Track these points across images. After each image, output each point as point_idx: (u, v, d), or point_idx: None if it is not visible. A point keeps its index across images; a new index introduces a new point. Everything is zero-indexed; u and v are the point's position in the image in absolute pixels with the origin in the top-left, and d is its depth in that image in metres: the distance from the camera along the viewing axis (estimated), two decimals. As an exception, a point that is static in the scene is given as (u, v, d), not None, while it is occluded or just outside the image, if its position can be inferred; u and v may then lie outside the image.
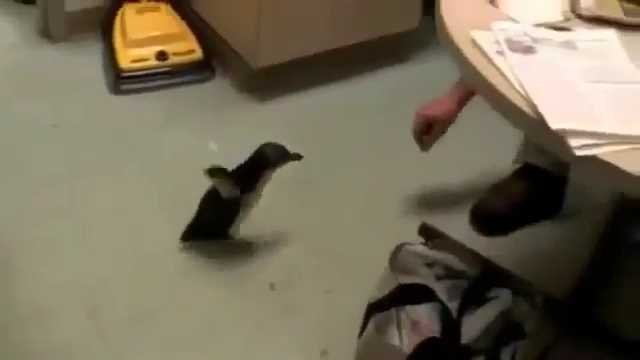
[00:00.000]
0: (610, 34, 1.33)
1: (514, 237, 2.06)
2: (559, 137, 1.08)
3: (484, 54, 1.23)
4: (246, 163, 1.85)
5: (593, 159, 1.06)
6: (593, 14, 1.38)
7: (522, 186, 2.09)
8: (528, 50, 1.25)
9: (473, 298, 1.41)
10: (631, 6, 1.41)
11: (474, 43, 1.26)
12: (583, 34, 1.32)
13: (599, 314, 1.80)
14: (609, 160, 1.06)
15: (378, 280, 1.51)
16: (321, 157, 2.20)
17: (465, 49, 1.25)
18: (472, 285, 1.42)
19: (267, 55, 2.31)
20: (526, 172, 2.12)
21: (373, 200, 2.14)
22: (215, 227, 1.90)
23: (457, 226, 2.01)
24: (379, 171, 2.22)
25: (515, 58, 1.22)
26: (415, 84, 2.52)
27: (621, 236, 1.67)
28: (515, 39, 1.26)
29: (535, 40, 1.27)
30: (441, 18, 1.33)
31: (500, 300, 1.40)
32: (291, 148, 2.16)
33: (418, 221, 1.94)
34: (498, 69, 1.21)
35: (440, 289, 1.43)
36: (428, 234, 1.93)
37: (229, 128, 2.30)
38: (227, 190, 1.81)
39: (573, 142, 1.07)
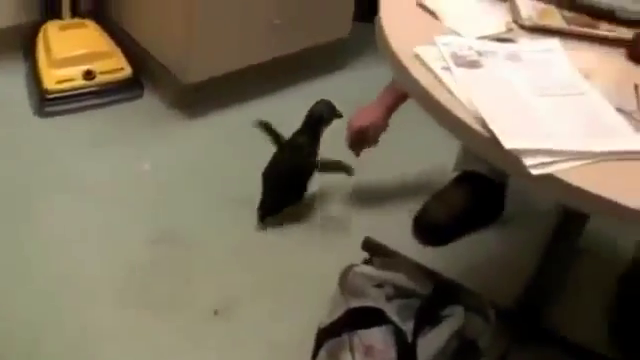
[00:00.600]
0: (554, 44, 1.31)
1: (457, 246, 2.05)
2: (513, 156, 1.05)
3: (430, 70, 1.20)
4: (305, 126, 2.00)
5: (549, 177, 1.04)
6: (535, 24, 1.36)
7: (463, 194, 2.07)
8: (474, 64, 1.22)
9: (427, 318, 1.37)
10: (571, 14, 1.40)
11: (418, 59, 1.22)
12: (527, 45, 1.30)
13: (548, 321, 1.80)
14: (563, 178, 1.04)
15: (328, 304, 1.47)
16: (258, 174, 2.15)
17: (410, 66, 1.21)
18: (425, 304, 1.39)
19: (198, 70, 2.24)
20: (466, 179, 2.11)
21: (319, 214, 2.09)
22: (291, 195, 2.01)
23: (401, 236, 2.00)
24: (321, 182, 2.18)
25: (461, 73, 1.18)
26: (351, 91, 2.46)
27: (567, 243, 1.66)
28: (460, 53, 1.23)
29: (480, 53, 1.24)
30: (382, 33, 1.29)
31: (454, 318, 1.37)
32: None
33: (362, 233, 1.92)
34: (445, 85, 1.17)
35: (391, 310, 1.39)
36: (372, 249, 1.90)
37: (161, 146, 2.22)
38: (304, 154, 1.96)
39: (528, 161, 1.04)
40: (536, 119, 1.13)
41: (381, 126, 2.02)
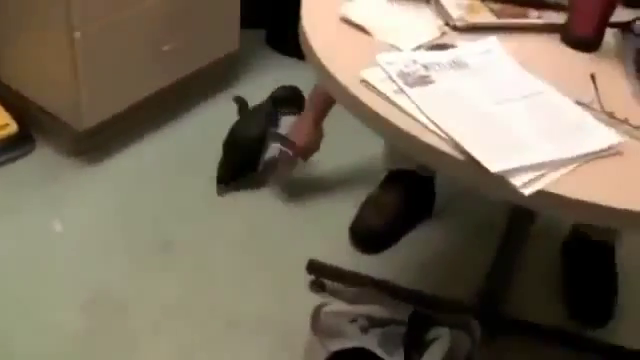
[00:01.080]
0: (492, 42, 1.26)
1: (399, 248, 1.99)
2: (499, 178, 0.98)
3: (381, 95, 1.12)
4: (265, 102, 2.14)
5: (540, 193, 0.98)
6: (467, 23, 1.30)
7: (395, 195, 2.02)
8: (425, 80, 1.14)
9: (414, 345, 1.30)
10: (498, 5, 1.35)
11: (366, 84, 1.13)
12: (467, 48, 1.24)
13: (511, 308, 1.77)
14: (555, 191, 0.98)
15: (304, 351, 1.37)
16: (177, 211, 2.03)
17: (359, 93, 1.12)
18: (409, 332, 1.31)
19: (91, 114, 2.07)
20: (394, 178, 2.05)
21: (249, 247, 1.98)
22: (245, 164, 2.10)
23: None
24: (248, 211, 2.07)
25: (416, 94, 1.11)
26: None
27: (520, 233, 1.63)
28: (406, 70, 1.15)
29: (426, 67, 1.17)
30: (314, 55, 1.20)
31: (441, 340, 1.31)
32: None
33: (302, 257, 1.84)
34: (403, 110, 1.09)
35: (373, 343, 1.31)
36: (317, 271, 1.82)
37: (68, 201, 2.04)
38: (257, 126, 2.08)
39: (516, 181, 0.98)
40: (507, 131, 1.07)
41: (314, 147, 2.05)
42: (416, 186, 2.04)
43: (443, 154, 1.04)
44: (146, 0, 2.04)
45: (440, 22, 1.31)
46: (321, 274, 1.84)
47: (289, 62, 2.59)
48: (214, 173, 2.11)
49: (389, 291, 1.78)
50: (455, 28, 1.30)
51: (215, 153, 2.13)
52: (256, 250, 1.96)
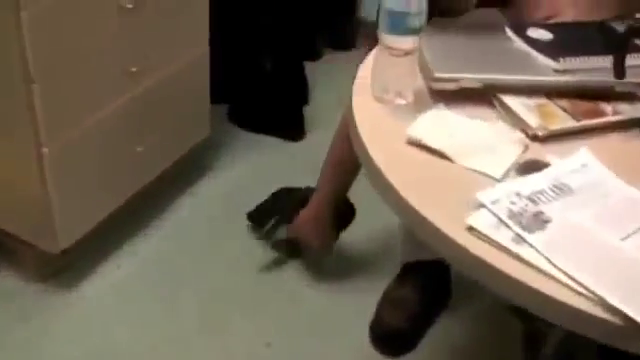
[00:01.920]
0: (585, 155, 1.10)
1: (422, 350, 1.82)
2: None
3: (495, 245, 0.94)
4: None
5: None
6: (549, 131, 1.14)
7: (414, 289, 1.85)
8: (540, 220, 0.97)
9: None
10: (567, 103, 1.20)
11: (474, 232, 0.95)
12: (561, 166, 1.08)
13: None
14: None
15: None
16: (166, 323, 1.81)
17: (470, 246, 0.94)
18: None
19: (67, 234, 1.83)
20: (410, 271, 1.88)
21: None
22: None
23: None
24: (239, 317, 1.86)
25: (540, 241, 0.94)
26: (231, 189, 2.24)
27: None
28: (516, 210, 0.98)
29: (532, 200, 1.01)
30: (402, 202, 1.01)
31: None
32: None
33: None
34: (526, 262, 0.92)
35: None
36: None
37: (47, 339, 1.78)
38: None
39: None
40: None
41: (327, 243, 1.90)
42: (433, 277, 1.87)
43: (585, 314, 0.88)
44: (113, 102, 1.81)
45: (518, 133, 1.14)
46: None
47: (257, 139, 2.43)
48: (201, 268, 1.97)
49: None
50: (536, 138, 1.14)
51: (203, 241, 2.01)
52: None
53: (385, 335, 1.79)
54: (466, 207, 0.99)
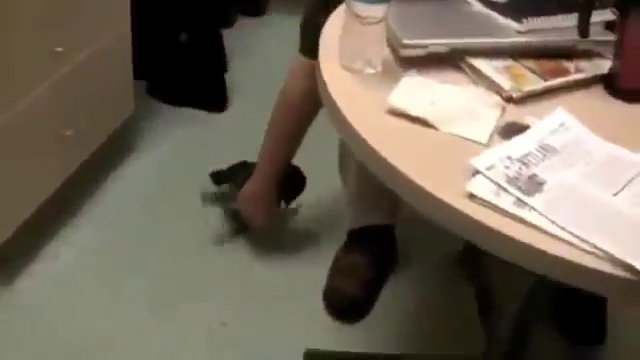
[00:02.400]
0: (561, 114, 1.12)
1: (377, 313, 1.83)
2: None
3: (498, 210, 0.94)
4: None
5: None
6: (523, 93, 1.15)
7: (363, 255, 1.85)
8: (536, 182, 0.99)
9: None
10: (533, 64, 1.22)
11: (475, 199, 0.96)
12: (541, 127, 1.09)
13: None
14: None
15: None
16: (115, 311, 1.75)
17: (472, 213, 0.94)
18: None
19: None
20: (357, 236, 1.88)
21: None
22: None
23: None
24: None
25: (540, 204, 0.95)
26: (158, 167, 2.18)
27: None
28: (512, 174, 0.99)
29: (523, 162, 1.02)
30: (397, 173, 1.00)
31: None
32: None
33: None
34: (530, 224, 0.93)
35: None
36: None
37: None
38: None
39: None
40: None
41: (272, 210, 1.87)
42: (380, 241, 1.88)
43: (593, 271, 0.90)
44: (40, 84, 1.71)
45: (494, 96, 1.15)
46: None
47: (181, 113, 2.37)
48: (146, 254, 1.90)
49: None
50: (510, 100, 1.15)
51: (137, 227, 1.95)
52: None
53: (340, 303, 1.79)
54: (460, 174, 0.99)
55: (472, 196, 0.96)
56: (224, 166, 1.97)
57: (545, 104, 1.16)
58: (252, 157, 2.15)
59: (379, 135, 1.06)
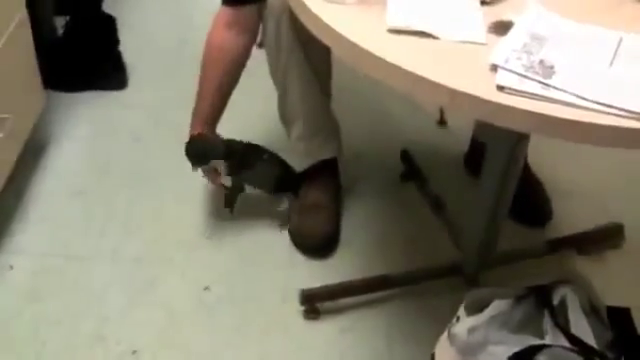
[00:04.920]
0: (535, 7, 1.24)
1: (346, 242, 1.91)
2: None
3: (529, 95, 1.05)
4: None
5: None
6: (493, -7, 1.26)
7: (324, 191, 1.92)
8: (548, 67, 1.09)
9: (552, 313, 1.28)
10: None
11: (509, 91, 1.05)
12: (524, 21, 1.20)
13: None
14: None
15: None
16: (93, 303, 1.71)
17: (508, 102, 1.04)
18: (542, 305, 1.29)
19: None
20: (309, 174, 1.94)
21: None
22: None
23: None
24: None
25: (560, 81, 1.06)
26: (80, 158, 2.13)
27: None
28: (527, 64, 1.09)
29: (530, 53, 1.12)
30: (428, 83, 1.07)
31: (570, 297, 1.30)
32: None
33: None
34: (560, 101, 1.04)
35: (520, 340, 1.26)
36: (311, 298, 1.69)
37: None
38: None
39: None
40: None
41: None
42: (328, 174, 1.95)
43: (622, 129, 1.02)
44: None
45: (473, 1, 1.24)
46: (314, 300, 1.71)
47: (84, 98, 2.31)
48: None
49: (386, 284, 1.74)
50: (484, 2, 1.25)
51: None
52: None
53: (315, 241, 1.85)
54: (481, 72, 1.08)
55: (501, 88, 1.05)
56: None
57: (511, 1, 1.27)
58: (167, 125, 2.17)
59: (394, 51, 1.12)
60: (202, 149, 1.81)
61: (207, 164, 1.82)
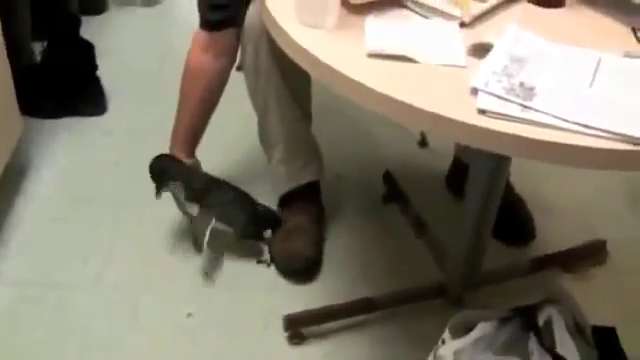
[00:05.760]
0: (514, 29, 1.24)
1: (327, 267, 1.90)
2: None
3: (510, 118, 1.05)
4: None
5: None
6: (472, 17, 1.26)
7: (305, 214, 1.90)
8: (528, 89, 1.10)
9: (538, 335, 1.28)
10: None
11: (489, 114, 1.05)
12: (502, 43, 1.20)
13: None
14: None
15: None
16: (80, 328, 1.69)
17: (488, 125, 1.04)
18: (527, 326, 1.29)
19: None
20: (289, 198, 1.93)
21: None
22: None
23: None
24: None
25: (540, 104, 1.06)
26: (59, 185, 2.10)
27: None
28: (508, 86, 1.10)
29: (510, 75, 1.12)
30: (416, 111, 1.07)
31: (556, 318, 1.30)
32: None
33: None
34: (544, 125, 1.04)
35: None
36: (295, 323, 1.67)
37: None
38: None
39: None
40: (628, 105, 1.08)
41: None
42: (309, 197, 1.94)
43: (600, 150, 1.02)
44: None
45: (451, 23, 1.24)
46: (298, 325, 1.70)
47: (62, 123, 2.30)
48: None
49: (370, 307, 1.72)
50: (463, 25, 1.25)
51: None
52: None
53: (298, 265, 1.83)
54: (461, 95, 1.08)
55: (482, 111, 1.05)
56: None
57: (491, 23, 1.28)
58: (147, 150, 2.15)
59: (373, 77, 1.11)
60: (160, 168, 1.79)
61: (166, 185, 1.79)
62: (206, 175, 1.85)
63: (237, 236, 1.82)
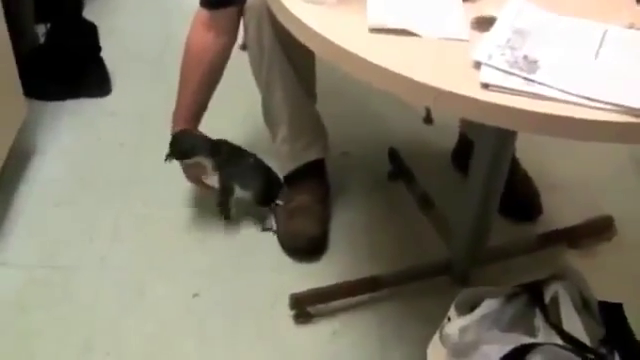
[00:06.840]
0: (517, 1, 1.22)
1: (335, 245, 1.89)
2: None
3: (514, 92, 1.03)
4: None
5: None
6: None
7: (310, 193, 1.89)
8: (532, 62, 1.08)
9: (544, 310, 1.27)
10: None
11: (493, 87, 1.04)
12: (505, 15, 1.19)
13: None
14: None
15: None
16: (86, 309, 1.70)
17: (492, 99, 1.02)
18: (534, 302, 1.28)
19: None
20: (293, 177, 1.92)
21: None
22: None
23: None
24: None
25: (544, 77, 1.05)
26: (65, 168, 2.09)
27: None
28: (511, 59, 1.08)
29: (513, 48, 1.11)
30: (417, 85, 1.05)
31: (562, 294, 1.29)
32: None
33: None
34: (545, 97, 1.03)
35: (513, 339, 1.25)
36: (301, 302, 1.67)
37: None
38: None
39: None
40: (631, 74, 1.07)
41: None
42: (314, 175, 1.93)
43: (607, 123, 1.01)
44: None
45: (452, -2, 1.23)
46: (304, 303, 1.69)
47: (67, 106, 2.29)
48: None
49: (376, 285, 1.72)
50: None
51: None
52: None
53: (304, 244, 1.83)
54: (464, 69, 1.07)
55: (485, 85, 1.04)
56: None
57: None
58: (152, 130, 2.14)
59: (375, 52, 1.10)
60: (189, 144, 1.79)
61: (191, 159, 1.80)
62: (227, 143, 1.85)
63: (255, 202, 1.85)
